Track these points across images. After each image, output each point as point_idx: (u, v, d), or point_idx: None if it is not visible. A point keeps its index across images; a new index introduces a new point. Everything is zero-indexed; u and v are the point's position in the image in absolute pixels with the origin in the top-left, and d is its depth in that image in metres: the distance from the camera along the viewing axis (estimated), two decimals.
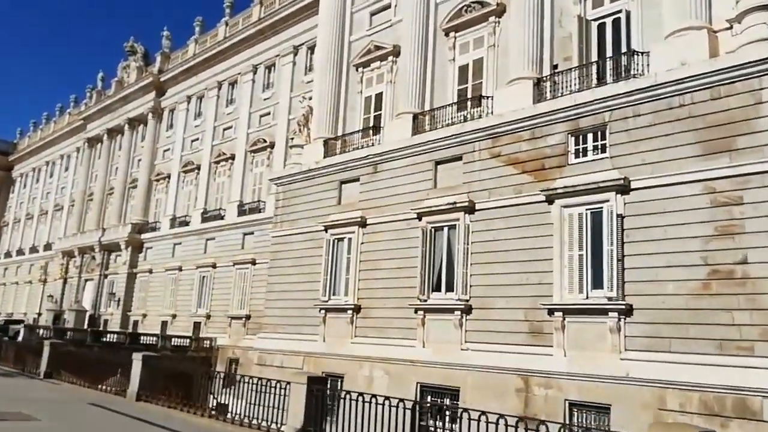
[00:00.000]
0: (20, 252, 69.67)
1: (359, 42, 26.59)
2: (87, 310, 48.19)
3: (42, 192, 69.99)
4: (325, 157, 25.53)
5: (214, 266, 39.04)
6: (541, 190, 17.67)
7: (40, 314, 56.11)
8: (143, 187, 49.07)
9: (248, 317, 35.41)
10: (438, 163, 20.94)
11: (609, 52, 18.50)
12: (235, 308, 36.59)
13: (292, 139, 35.60)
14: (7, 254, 72.77)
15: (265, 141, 38.33)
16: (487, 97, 20.48)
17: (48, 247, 62.78)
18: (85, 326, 44.85)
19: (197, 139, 45.11)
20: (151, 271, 45.08)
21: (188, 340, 36.13)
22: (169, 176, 46.96)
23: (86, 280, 52.57)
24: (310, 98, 29.17)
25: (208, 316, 38.44)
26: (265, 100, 39.63)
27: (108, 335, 33.95)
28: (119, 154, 54.56)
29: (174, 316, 41.35)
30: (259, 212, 37.05)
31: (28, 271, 65.96)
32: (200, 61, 45.68)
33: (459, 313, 19.02)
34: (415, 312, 20.25)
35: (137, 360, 16.45)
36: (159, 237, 45.44)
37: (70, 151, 65.46)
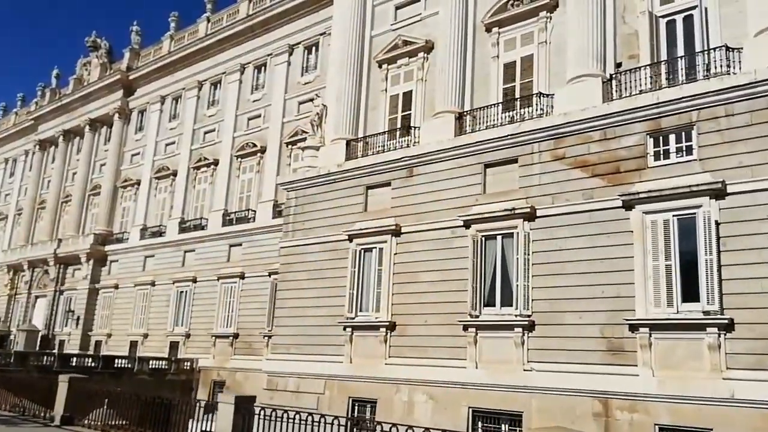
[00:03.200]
0: None
1: (382, 37, 24.71)
2: (39, 329, 43.59)
3: None
4: (346, 160, 23.36)
5: (194, 280, 35.81)
6: (619, 195, 16.17)
7: None
8: (107, 194, 45.11)
9: (236, 336, 32.44)
10: (488, 165, 19.20)
11: (680, 50, 17.38)
12: (220, 326, 33.51)
13: (290, 144, 33.49)
14: None
15: (254, 145, 35.68)
16: (545, 95, 18.92)
17: None
18: (37, 348, 40.52)
19: (173, 143, 41.82)
20: (117, 287, 41.19)
21: (166, 362, 32.71)
22: (138, 182, 43.32)
23: (37, 297, 47.79)
24: (316, 97, 26.98)
25: (188, 335, 35.12)
26: (254, 101, 37.03)
27: (74, 359, 30.16)
28: (78, 158, 50.25)
29: (146, 336, 37.69)
30: (248, 222, 34.27)
31: None
32: (177, 58, 42.58)
33: (520, 329, 17.18)
34: (465, 329, 18.27)
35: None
36: (127, 249, 41.65)
37: (17, 155, 60.20)
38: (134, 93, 46.52)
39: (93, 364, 29.77)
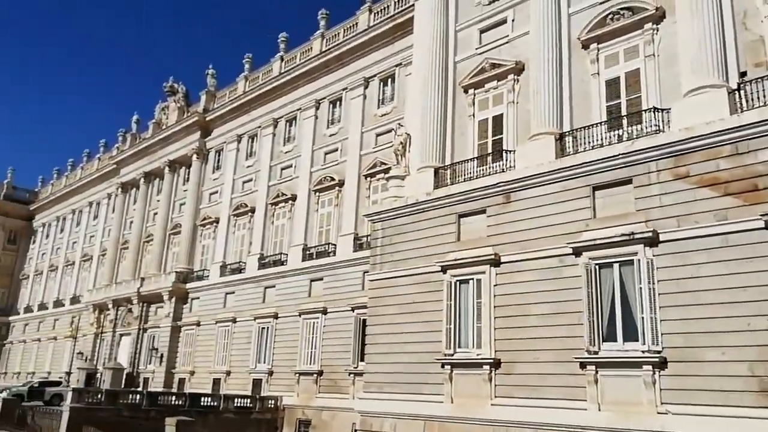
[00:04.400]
0: (43, 306, 66.04)
1: (467, 62, 24.00)
2: (125, 367, 44.32)
3: (67, 242, 66.95)
4: (435, 188, 22.49)
5: (275, 316, 35.50)
6: (761, 215, 14.48)
7: (69, 373, 52.06)
8: (187, 232, 45.98)
9: (320, 373, 31.65)
10: (597, 188, 17.85)
11: None
12: (303, 363, 32.85)
13: (369, 176, 33.00)
14: (28, 309, 69.15)
15: (332, 179, 35.45)
16: (659, 110, 17.51)
17: (75, 300, 59.30)
18: (122, 386, 41.09)
19: (250, 180, 42.30)
20: (198, 324, 41.47)
21: (251, 400, 32.21)
22: (217, 220, 43.93)
23: (122, 335, 48.87)
24: (398, 126, 26.31)
25: (271, 372, 34.63)
26: (330, 136, 36.98)
27: (161, 397, 30.04)
28: (158, 199, 51.77)
29: (228, 373, 37.50)
30: (329, 256, 33.79)
31: (52, 327, 62.20)
32: (252, 98, 43.36)
33: (649, 367, 15.52)
34: (582, 367, 16.74)
35: None
36: (207, 286, 42.02)
37: (100, 198, 62.79)
38: (211, 133, 47.66)
39: (179, 402, 29.57)
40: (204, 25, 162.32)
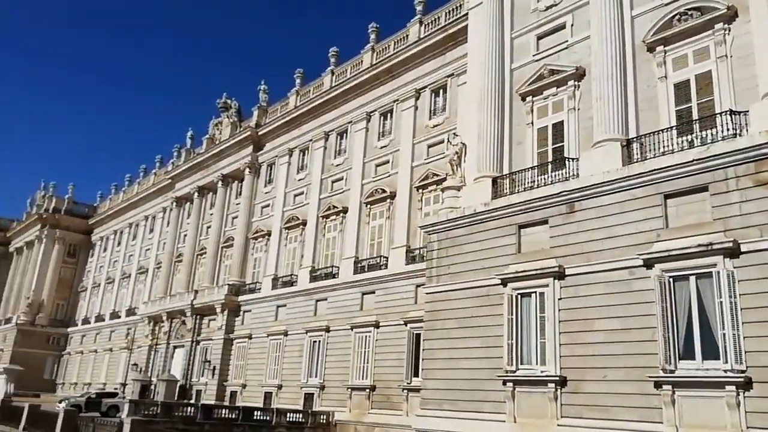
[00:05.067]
0: (100, 318, 67.98)
1: (524, 69, 23.42)
2: (178, 379, 44.89)
3: (124, 255, 68.87)
4: (493, 198, 21.89)
5: (327, 330, 35.29)
6: None
7: (124, 384, 53.22)
8: (240, 245, 46.50)
9: (373, 388, 31.17)
10: (668, 196, 16.94)
11: None
12: (355, 378, 32.45)
13: (421, 188, 32.59)
14: (86, 321, 71.32)
15: (384, 191, 35.19)
16: (736, 113, 16.51)
17: (131, 312, 60.74)
18: (175, 397, 41.55)
19: (301, 193, 42.52)
20: (250, 337, 41.68)
21: (303, 415, 31.97)
22: (269, 233, 44.26)
23: (175, 347, 49.59)
24: (454, 136, 25.86)
25: (322, 387, 34.36)
26: (381, 148, 36.82)
27: (217, 411, 30.13)
28: (211, 213, 52.67)
29: (280, 387, 37.43)
30: (380, 269, 33.43)
31: (108, 338, 63.85)
32: (303, 112, 43.71)
33: (732, 388, 14.46)
34: (657, 386, 15.76)
35: None
36: (259, 299, 42.26)
37: (156, 212, 64.43)
38: (263, 148, 48.28)
39: (233, 416, 29.59)
40: (256, 42, 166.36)
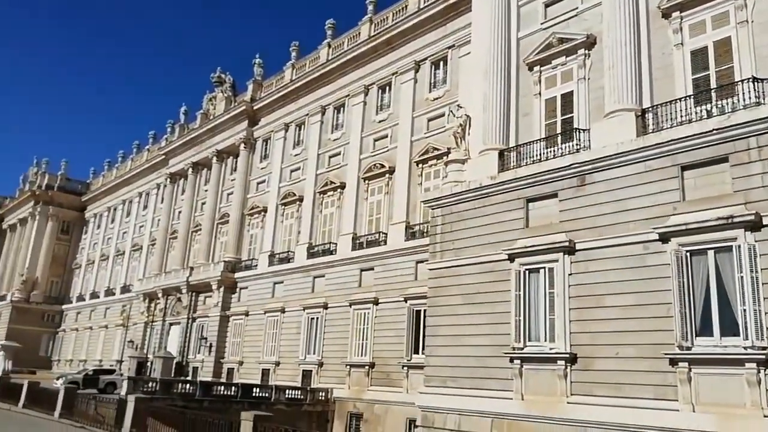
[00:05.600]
0: (94, 295, 67.40)
1: (531, 38, 22.53)
2: (174, 356, 44.43)
3: (118, 232, 68.05)
4: (499, 171, 21.19)
5: (325, 307, 34.81)
6: None
7: (120, 361, 52.77)
8: (235, 222, 45.77)
9: (372, 365, 30.80)
10: (685, 167, 16.26)
11: None
12: (354, 354, 32.07)
13: (420, 162, 31.84)
14: (80, 298, 70.72)
15: (382, 166, 34.43)
16: (759, 80, 15.78)
17: (126, 289, 60.16)
18: (172, 374, 41.15)
19: (298, 169, 41.69)
20: (247, 314, 41.20)
21: (302, 392, 31.61)
22: (265, 209, 43.53)
23: (171, 324, 49.14)
24: (458, 108, 25.00)
25: (321, 364, 33.99)
26: (380, 122, 35.95)
27: (216, 388, 29.69)
28: (206, 189, 51.79)
29: (277, 364, 37.07)
30: (379, 245, 32.84)
31: (103, 316, 63.36)
32: (300, 86, 42.68)
33: (753, 365, 13.97)
34: (673, 363, 15.25)
35: None
36: (256, 276, 41.68)
37: (150, 188, 63.46)
38: (258, 122, 47.27)
39: (231, 393, 29.18)
40: (250, 14, 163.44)
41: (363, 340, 31.93)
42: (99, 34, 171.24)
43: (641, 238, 16.54)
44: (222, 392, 29.09)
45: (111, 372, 39.48)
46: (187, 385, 28.12)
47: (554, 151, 20.20)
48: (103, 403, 20.86)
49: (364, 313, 32.24)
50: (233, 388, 29.58)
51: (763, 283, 14.20)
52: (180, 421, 15.76)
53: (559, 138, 20.39)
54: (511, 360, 18.77)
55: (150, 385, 27.06)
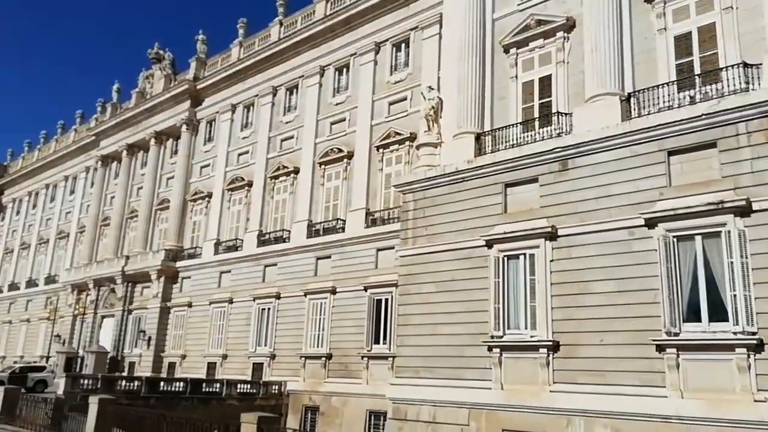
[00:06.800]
0: (14, 287, 62.39)
1: (508, 19, 22.01)
2: (108, 351, 41.64)
3: (41, 218, 63.19)
4: (476, 156, 20.56)
5: (277, 297, 33.32)
6: None
7: (44, 357, 49.08)
8: (176, 208, 43.20)
9: (329, 356, 29.69)
10: (672, 153, 16.15)
11: None
12: (310, 346, 30.83)
13: (381, 147, 30.88)
14: None
15: (340, 150, 33.19)
16: (748, 66, 15.80)
17: (51, 280, 56.00)
18: (106, 370, 38.56)
19: (246, 153, 39.71)
20: (190, 305, 39.01)
21: (254, 386, 30.12)
22: (210, 195, 41.29)
23: (104, 317, 45.95)
24: (429, 90, 24.21)
25: (273, 356, 32.53)
26: (337, 104, 34.64)
27: (163, 384, 27.73)
28: (143, 173, 48.70)
29: (225, 357, 35.26)
30: (337, 232, 31.68)
31: (24, 308, 58.69)
32: (248, 65, 40.58)
33: (743, 350, 13.97)
34: (660, 350, 15.13)
35: None
36: (200, 264, 39.49)
37: (77, 172, 59.20)
38: (202, 103, 44.76)
39: (180, 389, 27.36)
40: None
41: (319, 330, 30.75)
42: (18, 3, 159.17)
43: (626, 223, 16.34)
44: (169, 388, 27.19)
45: (41, 369, 36.39)
46: (133, 382, 26.03)
47: (532, 135, 19.79)
48: (35, 403, 18.73)
49: (321, 303, 31.04)
50: (181, 383, 27.70)
51: (752, 269, 14.21)
52: (157, 428, 13.72)
53: (537, 122, 19.98)
54: (490, 349, 18.26)
55: (88, 381, 24.88)
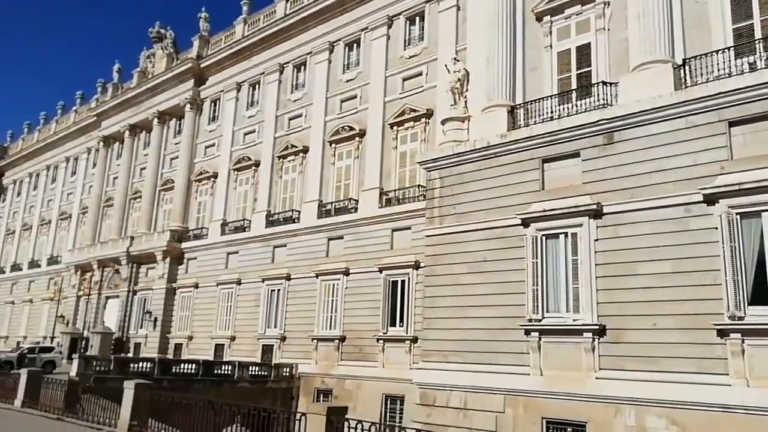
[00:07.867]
0: (16, 267, 61.23)
1: None
2: (113, 332, 40.58)
3: (42, 199, 61.81)
4: (509, 130, 19.32)
5: (288, 278, 32.18)
6: None
7: (49, 337, 48.04)
8: (181, 189, 41.89)
9: (342, 339, 28.64)
10: (734, 123, 14.94)
11: None
12: (322, 328, 29.77)
13: (395, 125, 29.57)
14: (0, 270, 64.16)
15: (351, 128, 31.86)
16: None
17: (53, 260, 54.82)
18: (111, 351, 37.52)
19: (253, 132, 38.32)
20: (196, 286, 37.90)
21: (265, 368, 29.11)
22: (215, 175, 39.99)
23: (108, 298, 44.87)
24: (455, 62, 22.90)
25: (283, 338, 31.49)
26: (347, 81, 33.22)
27: (175, 366, 26.74)
28: (146, 153, 47.29)
29: (233, 338, 34.25)
30: (350, 212, 30.47)
31: (27, 289, 57.60)
32: (254, 42, 39.00)
33: None
34: (722, 335, 14.04)
35: None
36: (206, 246, 38.31)
37: (79, 153, 57.75)
38: (206, 82, 43.25)
39: (192, 371, 26.35)
40: None
41: (332, 312, 29.67)
42: None
43: (682, 200, 15.18)
44: (182, 370, 26.19)
45: (50, 350, 35.27)
46: (145, 363, 24.99)
47: (569, 107, 18.55)
48: (53, 386, 17.70)
49: (333, 285, 29.93)
50: (193, 365, 26.69)
51: None
52: (201, 415, 12.02)
53: (575, 94, 18.74)
54: (527, 332, 17.19)
55: (101, 363, 23.84)
